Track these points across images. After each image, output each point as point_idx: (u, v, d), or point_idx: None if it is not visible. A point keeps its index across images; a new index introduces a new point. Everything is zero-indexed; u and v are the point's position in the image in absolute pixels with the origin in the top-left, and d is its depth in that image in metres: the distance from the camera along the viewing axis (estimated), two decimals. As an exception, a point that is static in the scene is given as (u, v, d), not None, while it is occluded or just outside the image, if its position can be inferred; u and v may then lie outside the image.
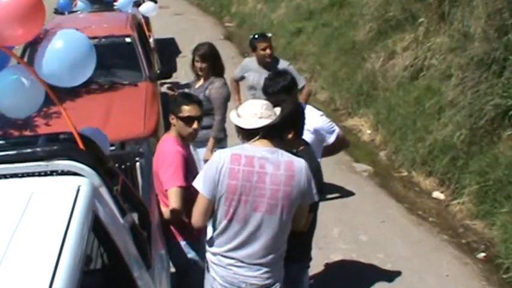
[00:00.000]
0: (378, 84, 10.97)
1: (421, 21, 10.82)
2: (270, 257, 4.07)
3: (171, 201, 4.51)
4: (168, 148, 4.73)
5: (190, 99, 4.93)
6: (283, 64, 7.49)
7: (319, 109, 5.50)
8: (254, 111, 3.99)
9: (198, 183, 4.10)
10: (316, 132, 5.21)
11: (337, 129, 5.46)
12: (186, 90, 7.27)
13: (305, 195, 4.03)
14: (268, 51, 7.35)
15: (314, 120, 5.17)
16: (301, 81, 7.12)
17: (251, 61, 7.72)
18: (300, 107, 4.54)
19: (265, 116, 3.97)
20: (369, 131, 10.43)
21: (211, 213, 4.12)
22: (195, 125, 4.81)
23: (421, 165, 8.70)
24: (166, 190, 4.56)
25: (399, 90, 10.30)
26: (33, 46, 6.91)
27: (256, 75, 7.23)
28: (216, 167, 3.97)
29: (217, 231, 4.12)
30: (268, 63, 7.27)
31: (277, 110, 4.07)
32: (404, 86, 10.28)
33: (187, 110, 4.75)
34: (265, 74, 6.38)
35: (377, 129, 10.22)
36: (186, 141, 4.95)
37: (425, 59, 10.18)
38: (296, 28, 16.06)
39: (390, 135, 9.71)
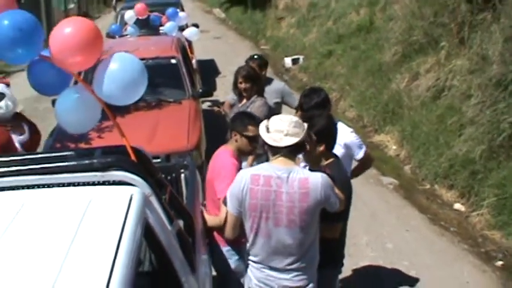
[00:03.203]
0: (403, 103, 10.92)
1: (442, 45, 10.81)
2: (299, 263, 4.05)
3: (222, 209, 4.51)
4: (226, 160, 4.74)
5: (255, 120, 4.94)
6: (277, 84, 7.43)
7: (349, 126, 5.47)
8: (281, 128, 3.96)
9: (226, 201, 4.18)
10: (346, 147, 5.18)
11: (364, 146, 5.44)
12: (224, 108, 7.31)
13: (326, 206, 4.00)
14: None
15: (345, 135, 5.14)
16: (297, 101, 7.13)
17: None
18: (332, 122, 4.53)
19: (292, 133, 3.94)
20: (394, 147, 10.36)
21: (239, 226, 4.18)
22: (255, 143, 4.85)
23: (443, 178, 8.63)
24: (219, 199, 4.57)
25: (422, 109, 10.26)
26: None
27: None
28: (239, 186, 4.00)
29: (248, 243, 4.16)
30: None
31: (305, 125, 4.06)
32: (427, 105, 10.23)
33: (252, 129, 4.77)
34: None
35: (402, 145, 10.16)
36: (243, 156, 4.98)
37: (446, 80, 10.15)
38: (326, 51, 16.10)
39: (414, 150, 9.65)
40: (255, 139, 4.83)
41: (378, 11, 15.09)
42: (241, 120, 4.91)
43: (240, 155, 4.92)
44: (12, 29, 3.14)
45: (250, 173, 4.03)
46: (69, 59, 3.29)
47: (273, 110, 6.59)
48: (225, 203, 4.31)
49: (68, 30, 3.29)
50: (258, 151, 6.52)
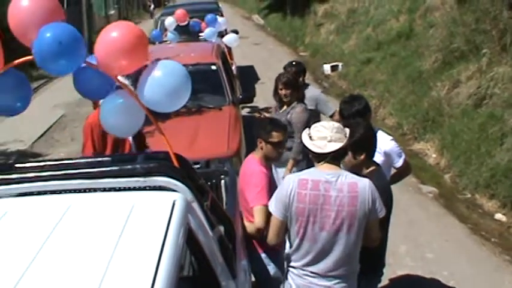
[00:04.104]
0: (443, 111, 10.80)
1: (484, 52, 10.69)
2: (343, 269, 4.05)
3: (256, 218, 4.53)
4: (254, 168, 4.77)
5: (279, 125, 4.97)
6: (313, 91, 7.43)
7: (388, 134, 5.44)
8: (324, 134, 3.98)
9: (271, 206, 4.17)
10: (386, 155, 5.16)
11: (404, 155, 5.40)
12: (267, 114, 7.34)
13: (370, 213, 3.99)
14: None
15: (385, 143, 5.12)
16: (331, 109, 7.18)
17: None
18: (372, 131, 4.52)
19: (335, 139, 3.96)
20: (434, 155, 10.26)
21: (284, 231, 4.17)
22: (281, 149, 4.87)
23: (484, 188, 8.51)
24: (251, 207, 4.60)
25: (463, 117, 10.13)
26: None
27: None
28: (286, 191, 4.00)
29: (292, 248, 4.16)
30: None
31: (347, 131, 4.07)
32: (468, 113, 10.11)
33: (276, 136, 4.80)
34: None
35: (442, 153, 10.04)
36: (270, 162, 5.00)
37: (488, 87, 10.02)
38: (366, 58, 16.04)
39: (455, 159, 9.54)
40: (280, 145, 4.86)
41: (418, 18, 14.97)
42: (264, 127, 4.93)
43: (268, 162, 4.94)
44: (52, 42, 3.21)
45: (298, 178, 4.04)
46: (115, 63, 3.34)
47: (313, 116, 6.62)
48: (265, 209, 4.33)
49: (114, 35, 3.34)
50: (298, 157, 6.55)
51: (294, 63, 7.49)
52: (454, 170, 9.43)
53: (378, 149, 4.60)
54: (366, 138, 4.33)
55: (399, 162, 5.26)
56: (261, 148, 4.86)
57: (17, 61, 3.47)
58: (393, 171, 5.38)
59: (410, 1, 16.07)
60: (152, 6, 49.44)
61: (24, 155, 11.83)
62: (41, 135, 13.25)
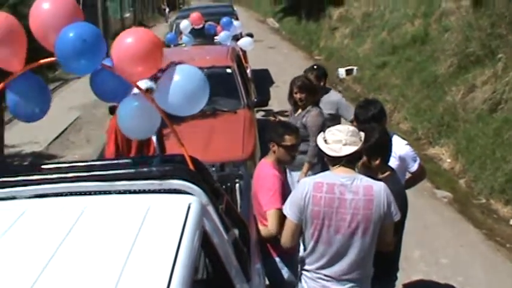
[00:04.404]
0: (458, 116, 10.76)
1: (499, 57, 10.65)
2: (357, 272, 4.05)
3: (270, 221, 4.53)
4: (267, 172, 4.77)
5: (291, 129, 4.98)
6: (334, 96, 7.42)
7: (403, 138, 5.43)
8: (339, 138, 3.98)
9: (285, 208, 4.18)
10: (401, 159, 5.14)
11: (419, 159, 5.39)
12: (282, 118, 7.35)
13: (386, 217, 3.98)
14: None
15: (400, 148, 5.11)
16: (352, 114, 7.14)
17: None
18: (387, 136, 4.52)
19: (350, 142, 3.96)
20: (449, 160, 10.21)
21: (298, 235, 4.18)
22: (294, 152, 4.88)
23: (500, 193, 8.47)
24: (265, 211, 4.60)
25: (478, 122, 10.09)
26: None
27: None
28: (301, 194, 4.01)
29: (307, 251, 4.16)
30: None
31: (362, 134, 4.07)
32: (483, 118, 10.07)
33: (288, 139, 4.81)
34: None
35: (457, 158, 10.00)
36: (283, 165, 5.00)
37: (503, 92, 9.98)
38: (381, 62, 16.02)
39: (469, 164, 9.49)
40: (293, 148, 4.87)
41: (433, 22, 14.92)
42: (276, 131, 4.93)
43: (281, 165, 4.94)
44: (76, 40, 3.22)
45: (313, 181, 4.05)
46: (130, 68, 3.36)
47: (328, 121, 6.60)
48: (279, 213, 4.34)
49: (130, 41, 3.36)
50: (313, 161, 6.55)
51: (315, 67, 7.49)
52: (469, 175, 9.39)
53: (393, 154, 4.60)
54: (381, 143, 4.33)
55: (414, 167, 5.25)
56: (274, 151, 4.86)
57: (37, 63, 3.50)
58: (408, 175, 5.38)
59: (425, 5, 16.02)
60: (167, 10, 49.57)
61: (39, 157, 11.90)
62: (57, 137, 13.32)
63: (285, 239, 4.24)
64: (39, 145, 12.62)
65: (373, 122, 4.80)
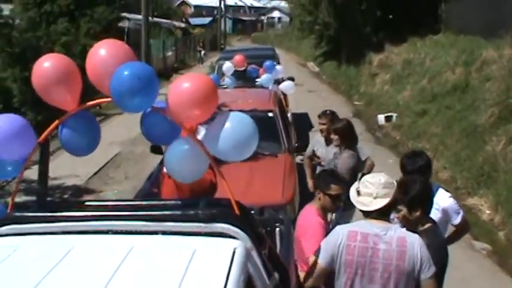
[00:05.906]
0: (498, 167, 10.65)
1: (542, 109, 10.56)
2: None
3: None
4: (312, 219, 4.82)
5: (338, 178, 5.03)
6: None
7: (447, 190, 5.40)
8: (371, 191, 4.02)
9: (317, 252, 4.23)
10: (443, 211, 5.12)
11: (462, 212, 5.35)
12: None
13: (421, 269, 3.95)
14: (323, 127, 7.60)
15: (444, 200, 5.09)
16: (365, 154, 7.30)
17: (319, 136, 7.89)
18: (428, 187, 4.51)
19: (381, 195, 3.99)
20: (488, 211, 10.07)
21: (322, 279, 4.24)
22: (339, 202, 4.92)
23: (541, 247, 8.33)
24: (307, 258, 4.62)
25: (519, 174, 9.97)
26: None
27: (324, 149, 7.54)
28: (335, 241, 4.06)
29: None
30: (328, 138, 7.40)
31: (395, 183, 4.08)
32: (524, 170, 9.95)
33: (334, 188, 4.87)
34: (331, 147, 7.03)
35: (496, 210, 9.86)
36: (327, 212, 5.04)
37: (545, 144, 9.87)
38: (420, 109, 15.97)
39: (509, 216, 9.36)
40: (338, 197, 4.92)
41: (474, 71, 14.88)
42: (324, 179, 4.98)
43: (325, 213, 4.98)
44: (131, 77, 3.30)
45: (347, 229, 4.08)
46: (185, 113, 3.43)
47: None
48: (316, 254, 4.35)
49: (187, 86, 3.43)
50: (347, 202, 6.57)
51: (327, 112, 7.93)
52: (509, 227, 9.24)
53: (436, 206, 4.59)
54: (422, 194, 4.33)
55: (457, 220, 5.21)
56: (319, 199, 4.91)
57: (94, 102, 3.59)
58: (450, 228, 5.34)
59: (466, 54, 16.01)
60: (203, 52, 49.72)
61: (79, 191, 12.07)
62: (96, 172, 13.50)
63: (310, 278, 4.28)
64: (80, 179, 12.79)
65: (419, 173, 4.80)
